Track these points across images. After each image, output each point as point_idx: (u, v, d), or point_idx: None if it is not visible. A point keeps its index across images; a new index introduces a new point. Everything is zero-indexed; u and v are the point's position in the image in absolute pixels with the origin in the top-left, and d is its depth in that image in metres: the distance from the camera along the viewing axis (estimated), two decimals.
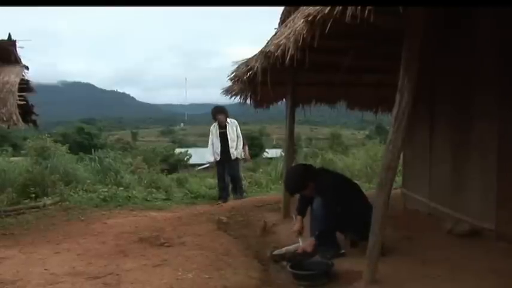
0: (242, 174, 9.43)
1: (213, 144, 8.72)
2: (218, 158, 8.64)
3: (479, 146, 4.69)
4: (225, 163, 8.65)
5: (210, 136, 8.84)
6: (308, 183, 4.25)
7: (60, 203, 7.71)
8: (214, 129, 8.80)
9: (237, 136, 8.73)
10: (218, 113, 8.73)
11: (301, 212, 4.48)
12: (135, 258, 4.35)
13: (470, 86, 4.84)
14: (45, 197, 8.25)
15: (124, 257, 4.40)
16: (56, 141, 12.41)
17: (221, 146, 8.62)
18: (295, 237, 4.38)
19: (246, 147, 9.16)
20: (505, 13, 3.92)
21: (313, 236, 4.14)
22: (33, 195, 8.29)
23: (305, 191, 4.32)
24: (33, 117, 6.95)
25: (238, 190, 8.83)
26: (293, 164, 5.80)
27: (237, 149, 8.67)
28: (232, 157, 8.58)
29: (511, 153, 4.23)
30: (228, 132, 8.65)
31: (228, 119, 8.78)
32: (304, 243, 4.12)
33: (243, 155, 8.88)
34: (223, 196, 8.63)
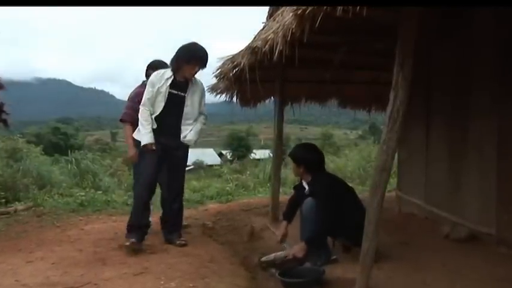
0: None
1: (151, 110, 4.64)
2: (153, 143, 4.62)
3: (478, 145, 4.72)
4: (165, 156, 4.75)
5: (149, 94, 4.64)
6: (313, 164, 4.29)
7: (33, 208, 7.58)
8: (163, 84, 4.64)
9: (200, 112, 4.90)
10: (193, 58, 4.65)
11: (288, 217, 4.48)
12: (114, 266, 4.30)
13: (469, 82, 4.88)
14: (16, 202, 8.13)
15: (103, 265, 4.34)
16: (29, 142, 12.34)
17: (168, 122, 4.71)
18: (279, 243, 4.40)
19: None
20: (504, 11, 3.97)
21: (303, 239, 4.12)
22: (4, 200, 8.15)
23: (302, 167, 4.32)
24: (4, 116, 6.84)
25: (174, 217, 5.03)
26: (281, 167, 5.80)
27: (190, 132, 4.81)
28: (182, 145, 4.82)
29: (511, 152, 4.26)
30: (186, 99, 4.74)
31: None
32: (293, 248, 4.08)
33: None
34: (141, 230, 4.79)
